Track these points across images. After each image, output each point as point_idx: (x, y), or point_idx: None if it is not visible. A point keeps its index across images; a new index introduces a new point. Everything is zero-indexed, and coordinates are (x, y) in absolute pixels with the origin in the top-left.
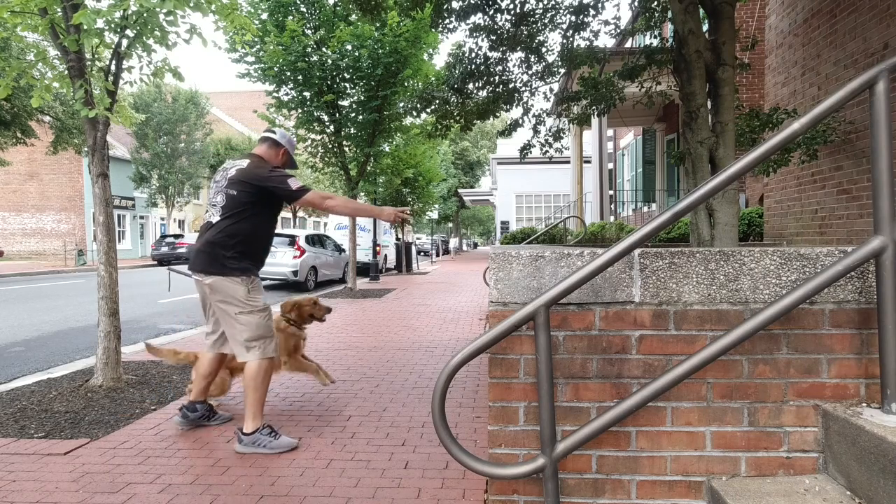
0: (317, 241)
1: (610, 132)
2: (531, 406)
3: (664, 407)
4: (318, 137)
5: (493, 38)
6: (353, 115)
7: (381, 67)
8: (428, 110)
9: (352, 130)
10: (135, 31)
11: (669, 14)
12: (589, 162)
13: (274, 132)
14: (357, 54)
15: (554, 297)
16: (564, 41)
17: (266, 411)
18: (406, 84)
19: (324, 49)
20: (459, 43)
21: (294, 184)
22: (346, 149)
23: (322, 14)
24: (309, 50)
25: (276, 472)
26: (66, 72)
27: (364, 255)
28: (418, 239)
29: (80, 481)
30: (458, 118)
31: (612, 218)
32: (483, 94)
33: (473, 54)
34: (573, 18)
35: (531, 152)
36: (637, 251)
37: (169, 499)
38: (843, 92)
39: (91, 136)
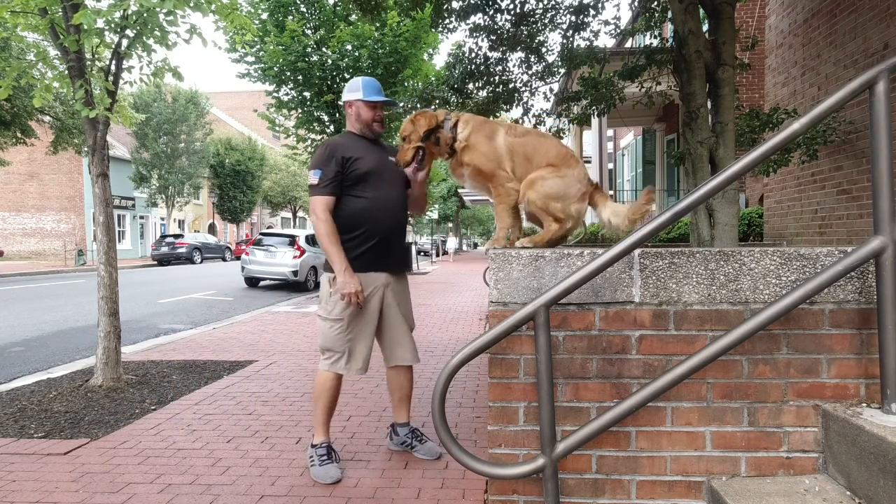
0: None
1: (610, 132)
2: (531, 406)
3: (664, 407)
4: (318, 137)
5: (493, 38)
6: None
7: (381, 67)
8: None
9: None
10: (135, 31)
11: (669, 14)
12: (589, 162)
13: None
14: (357, 54)
15: (554, 298)
16: (564, 41)
17: (265, 411)
18: (406, 84)
19: (324, 49)
20: (459, 43)
21: (313, 178)
22: None
23: (322, 14)
24: (309, 50)
25: (276, 472)
26: (67, 72)
27: None
28: (442, 241)
29: (80, 481)
30: None
31: None
32: (483, 94)
33: (473, 54)
34: (573, 18)
35: None
36: (637, 251)
37: (169, 499)
38: (843, 92)
39: (91, 136)
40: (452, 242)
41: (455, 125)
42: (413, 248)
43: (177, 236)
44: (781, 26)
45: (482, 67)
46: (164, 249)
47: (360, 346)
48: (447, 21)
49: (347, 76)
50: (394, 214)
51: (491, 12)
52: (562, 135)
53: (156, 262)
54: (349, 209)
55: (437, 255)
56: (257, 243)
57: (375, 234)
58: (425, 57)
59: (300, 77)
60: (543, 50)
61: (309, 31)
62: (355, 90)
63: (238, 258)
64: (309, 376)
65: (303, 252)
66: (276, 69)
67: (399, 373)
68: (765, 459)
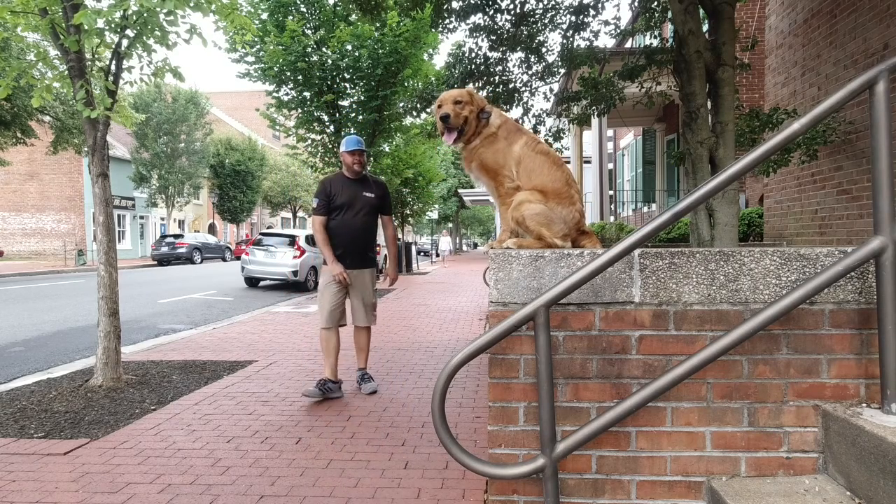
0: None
1: (610, 132)
2: (531, 406)
3: (664, 407)
4: (318, 137)
5: (493, 38)
6: (353, 115)
7: (381, 67)
8: (428, 110)
9: (352, 130)
10: (135, 31)
11: (669, 14)
12: (589, 162)
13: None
14: (357, 54)
15: (554, 298)
16: (564, 41)
17: (265, 411)
18: (406, 84)
19: (324, 49)
20: (459, 43)
21: (314, 203)
22: None
23: (322, 14)
24: (309, 50)
25: (276, 472)
26: (67, 72)
27: None
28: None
29: (80, 481)
30: None
31: (612, 218)
32: (483, 94)
33: (473, 54)
34: (573, 18)
35: None
36: (637, 251)
37: (169, 499)
38: (843, 92)
39: (91, 136)
40: (446, 243)
41: (489, 116)
42: (413, 249)
43: (177, 236)
44: (781, 26)
45: (482, 67)
46: (164, 249)
47: (328, 307)
48: (447, 21)
49: (347, 76)
50: (351, 233)
51: (491, 12)
52: (562, 135)
53: (156, 262)
54: (330, 226)
55: (436, 255)
56: (257, 243)
57: (338, 244)
58: (425, 57)
59: (300, 77)
60: (543, 50)
61: (309, 31)
62: (341, 146)
63: (238, 258)
64: (309, 376)
65: (303, 252)
66: (276, 69)
67: (358, 331)
68: (765, 459)
